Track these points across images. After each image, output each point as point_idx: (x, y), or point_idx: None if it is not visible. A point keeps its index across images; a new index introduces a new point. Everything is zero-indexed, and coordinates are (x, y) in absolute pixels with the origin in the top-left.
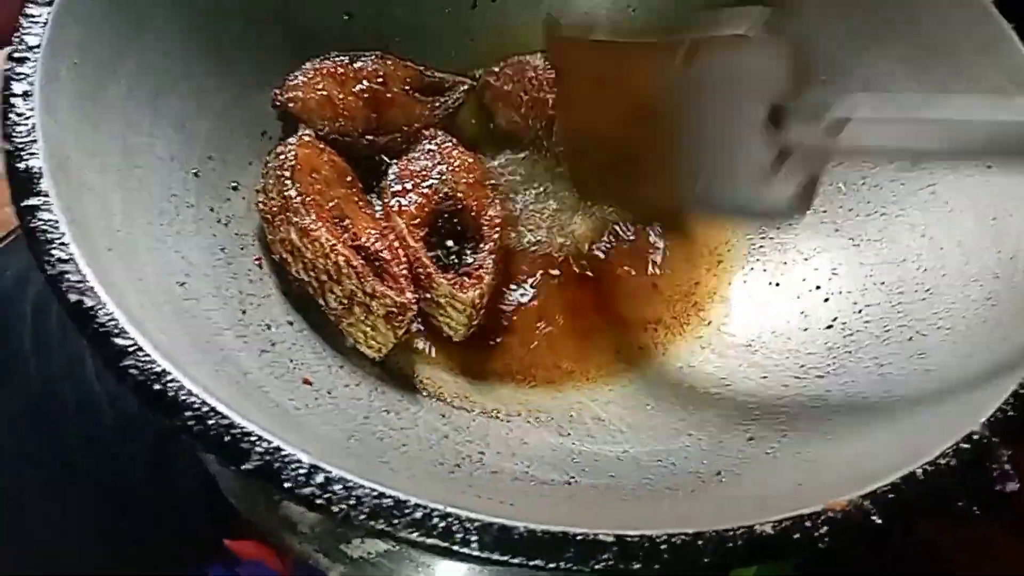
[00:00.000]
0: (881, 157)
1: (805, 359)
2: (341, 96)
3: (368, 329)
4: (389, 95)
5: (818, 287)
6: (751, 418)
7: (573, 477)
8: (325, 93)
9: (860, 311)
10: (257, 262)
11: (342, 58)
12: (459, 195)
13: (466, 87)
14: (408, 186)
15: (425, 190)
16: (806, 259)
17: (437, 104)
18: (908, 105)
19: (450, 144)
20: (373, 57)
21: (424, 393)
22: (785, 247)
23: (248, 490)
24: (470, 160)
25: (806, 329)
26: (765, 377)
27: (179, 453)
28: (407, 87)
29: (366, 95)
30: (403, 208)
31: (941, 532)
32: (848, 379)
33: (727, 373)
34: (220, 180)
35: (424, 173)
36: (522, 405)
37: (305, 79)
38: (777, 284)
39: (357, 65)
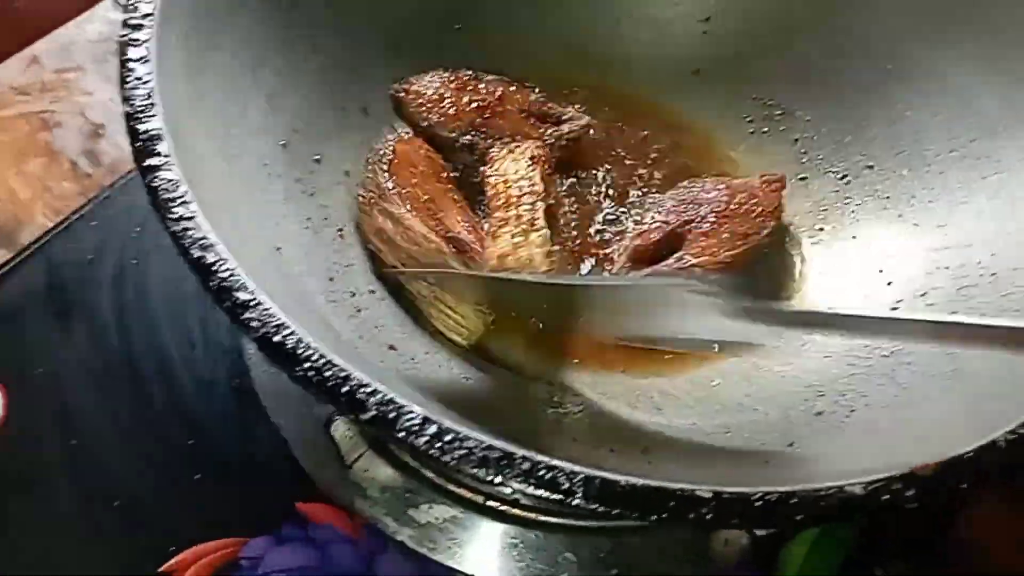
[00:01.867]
0: None
1: (869, 339)
2: (454, 99)
3: (459, 317)
4: (501, 109)
5: (880, 271)
6: (817, 394)
7: (648, 448)
8: (442, 92)
9: (924, 294)
10: (340, 232)
11: (467, 72)
12: None
13: (584, 123)
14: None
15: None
16: (868, 244)
17: (549, 133)
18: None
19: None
20: (496, 78)
21: (498, 364)
22: (847, 232)
23: (319, 455)
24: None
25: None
26: (828, 356)
27: (254, 418)
28: (523, 110)
29: (478, 103)
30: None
31: (980, 530)
32: (914, 358)
33: (789, 353)
34: (305, 153)
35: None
36: (592, 380)
37: (427, 80)
38: (839, 270)
39: (479, 81)
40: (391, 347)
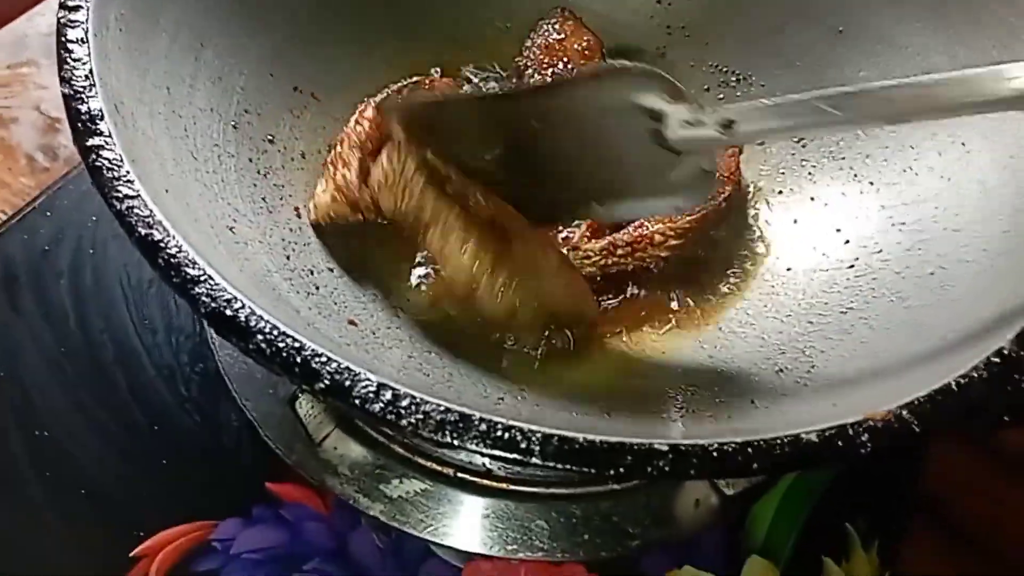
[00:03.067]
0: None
1: (828, 297)
2: None
3: None
4: None
5: (838, 230)
6: (778, 352)
7: (611, 410)
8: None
9: (881, 251)
10: (296, 212)
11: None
12: None
13: None
14: None
15: None
16: (825, 204)
17: None
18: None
19: None
20: None
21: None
22: (804, 192)
23: (288, 435)
24: None
25: (827, 271)
26: (789, 315)
27: (220, 400)
28: None
29: None
30: None
31: (944, 482)
32: (872, 313)
33: (751, 314)
34: (256, 133)
35: None
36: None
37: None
38: (797, 231)
39: None
40: (351, 322)
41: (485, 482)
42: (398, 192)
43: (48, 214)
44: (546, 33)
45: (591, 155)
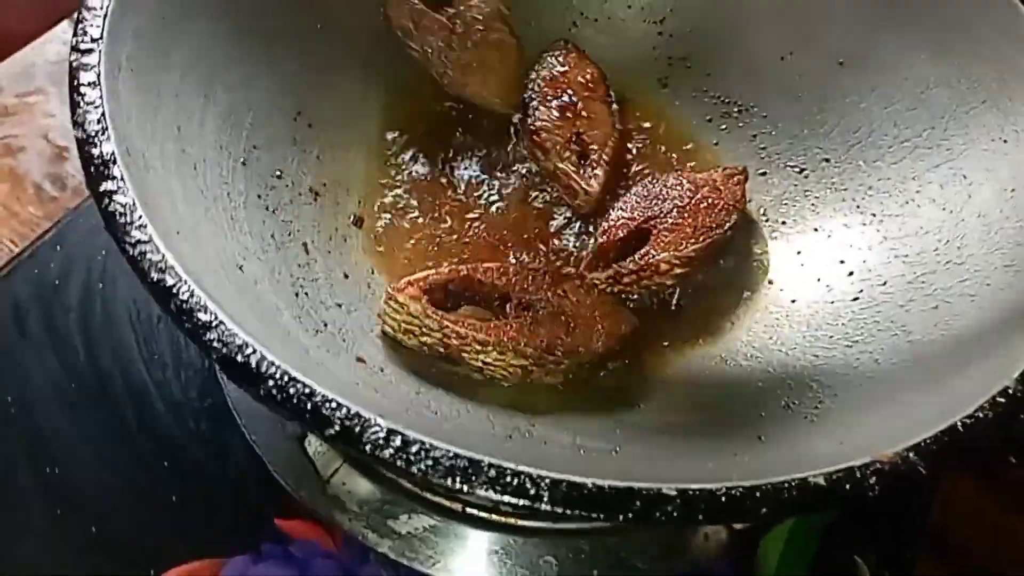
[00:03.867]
0: None
1: (832, 330)
2: None
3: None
4: None
5: (842, 262)
6: (785, 387)
7: (617, 447)
8: None
9: (884, 283)
10: (304, 248)
11: None
12: None
13: None
14: None
15: None
16: (829, 235)
17: None
18: None
19: None
20: None
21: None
22: (808, 224)
23: (296, 471)
24: None
25: (832, 303)
26: (794, 348)
27: (229, 436)
28: None
29: None
30: None
31: (952, 514)
32: (877, 347)
33: (757, 346)
34: (264, 169)
35: None
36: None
37: None
38: (801, 262)
39: None
40: (360, 359)
41: (493, 517)
42: (415, 332)
43: (58, 248)
44: (550, 66)
45: None
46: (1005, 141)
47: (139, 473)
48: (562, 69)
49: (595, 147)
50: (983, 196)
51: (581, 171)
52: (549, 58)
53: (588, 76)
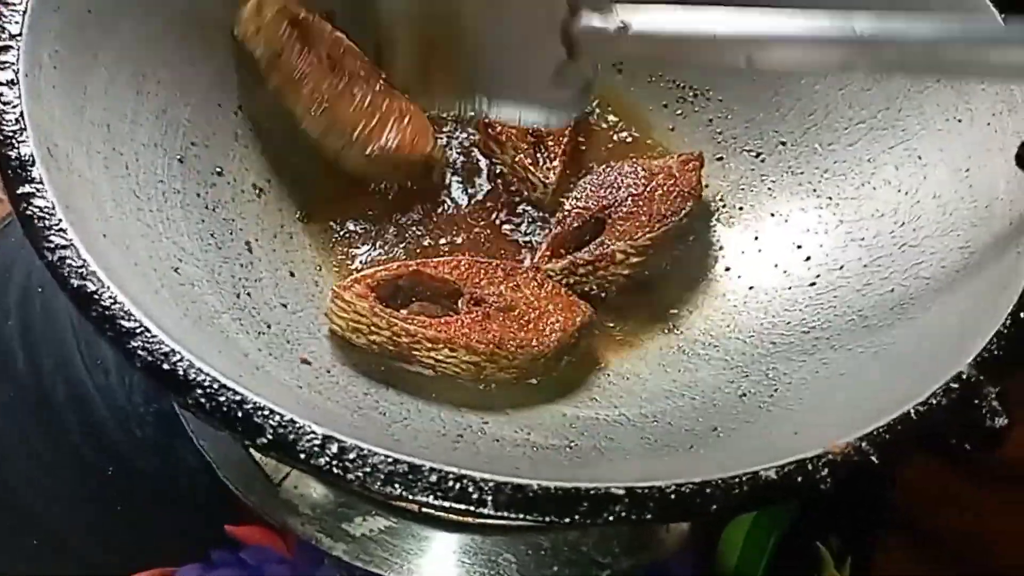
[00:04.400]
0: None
1: (790, 316)
2: None
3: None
4: None
5: (799, 247)
6: (742, 375)
7: (573, 441)
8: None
9: (841, 267)
10: (247, 246)
11: None
12: None
13: None
14: None
15: None
16: (786, 220)
17: None
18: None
19: None
20: None
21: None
22: (764, 209)
23: (246, 475)
24: None
25: (789, 288)
26: (752, 335)
27: (176, 441)
28: None
29: None
30: None
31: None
32: (833, 332)
33: (714, 335)
34: (204, 166)
35: None
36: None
37: None
38: (759, 248)
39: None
40: (304, 361)
41: (450, 517)
42: (363, 331)
43: None
44: None
45: (497, 33)
46: (959, 120)
47: (83, 481)
48: None
49: (551, 138)
50: (938, 177)
51: (538, 163)
52: None
53: None
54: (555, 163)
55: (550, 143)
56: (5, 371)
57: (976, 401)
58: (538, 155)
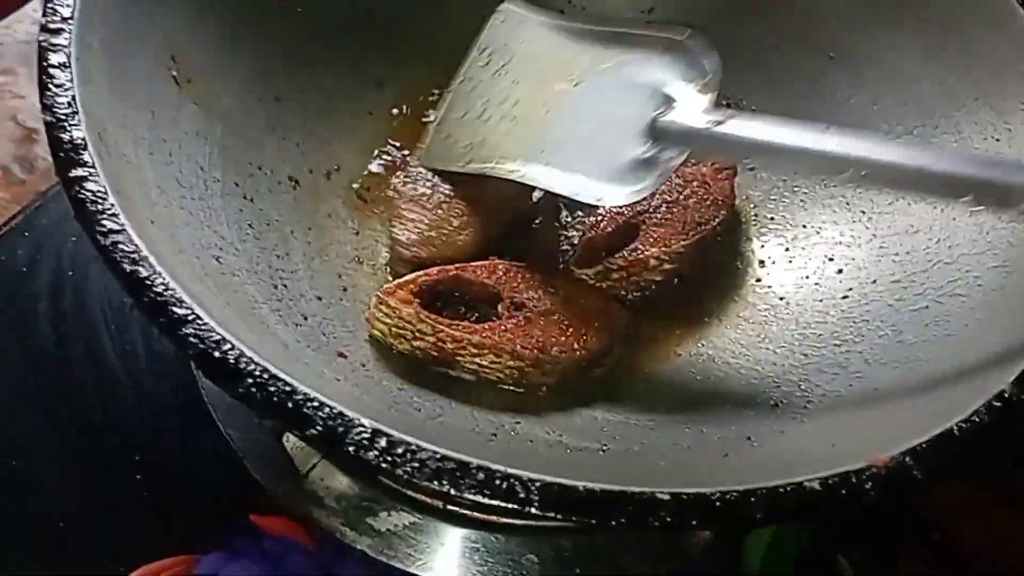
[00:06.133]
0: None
1: (822, 329)
2: None
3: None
4: None
5: (831, 259)
6: (773, 386)
7: (605, 445)
8: None
9: (874, 281)
10: (283, 237)
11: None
12: None
13: None
14: None
15: None
16: (818, 232)
17: None
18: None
19: None
20: None
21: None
22: (796, 220)
23: (273, 466)
24: None
25: (821, 300)
26: (783, 347)
27: (203, 430)
28: None
29: None
30: None
31: (936, 510)
32: (867, 347)
33: (745, 344)
34: (242, 156)
35: None
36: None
37: None
38: (790, 259)
39: None
40: (340, 355)
41: (475, 515)
42: (407, 336)
43: (26, 234)
44: None
45: (577, 110)
46: (997, 140)
47: (109, 467)
48: None
49: None
50: None
51: None
52: None
53: None
54: None
55: None
56: (34, 355)
57: (1019, 419)
58: None
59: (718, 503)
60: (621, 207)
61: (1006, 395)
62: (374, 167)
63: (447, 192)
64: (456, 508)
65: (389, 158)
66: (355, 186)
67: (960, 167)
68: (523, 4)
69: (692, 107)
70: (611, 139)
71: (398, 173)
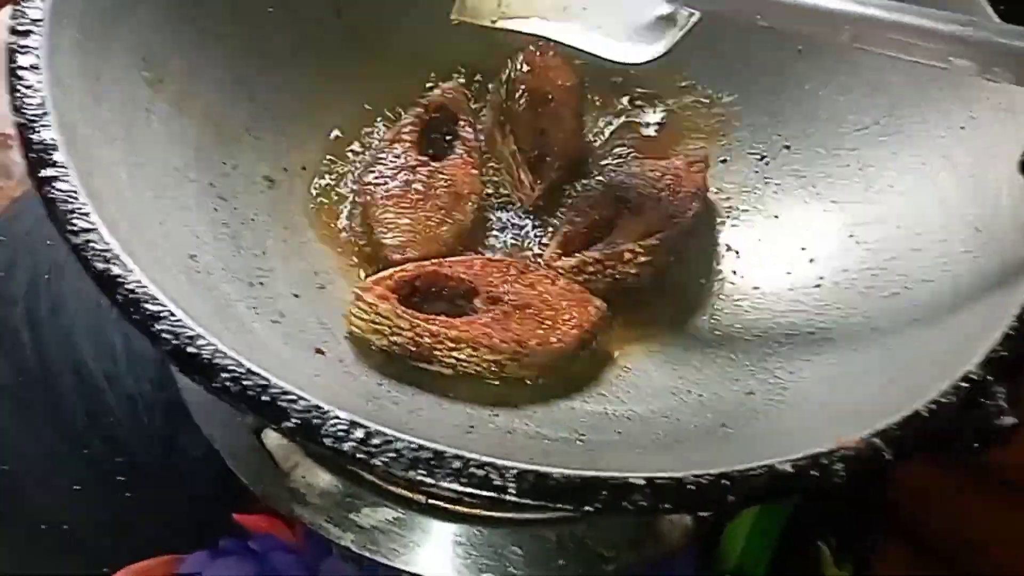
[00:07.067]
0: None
1: (795, 317)
2: None
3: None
4: None
5: (803, 248)
6: (748, 374)
7: (583, 435)
8: None
9: (845, 270)
10: (259, 237)
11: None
12: None
13: None
14: None
15: None
16: (790, 223)
17: None
18: None
19: None
20: None
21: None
22: (769, 211)
23: (254, 464)
24: None
25: (793, 289)
26: (758, 335)
27: (184, 430)
28: None
29: None
30: None
31: (911, 496)
32: (839, 334)
33: (720, 333)
34: (217, 155)
35: None
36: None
37: None
38: (763, 249)
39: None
40: (318, 351)
41: (458, 508)
42: (384, 332)
43: (2, 239)
44: (534, 58)
45: None
46: (963, 128)
47: (91, 468)
48: (545, 65)
49: (555, 149)
50: (942, 183)
51: (533, 164)
52: (533, 50)
53: (567, 82)
54: (550, 173)
55: (552, 152)
56: (11, 358)
57: (984, 400)
58: (536, 159)
59: (692, 487)
60: (595, 202)
61: (973, 376)
62: (347, 165)
63: (419, 188)
64: (439, 502)
65: (362, 156)
66: (330, 183)
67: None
68: None
69: None
70: None
71: (370, 170)
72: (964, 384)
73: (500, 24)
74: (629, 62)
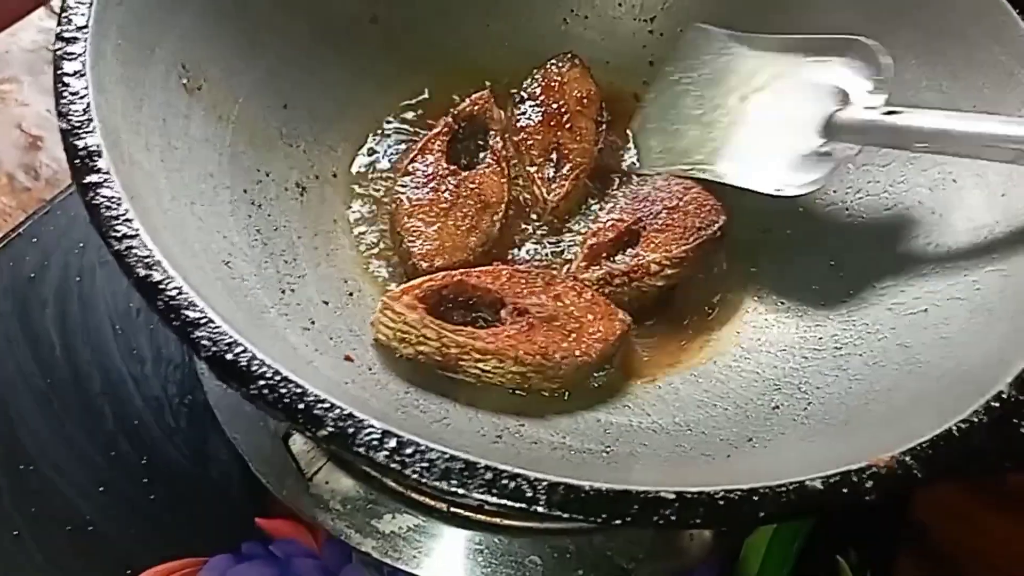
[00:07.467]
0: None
1: (821, 332)
2: None
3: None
4: None
5: (832, 263)
6: (773, 388)
7: (608, 447)
8: None
9: (873, 285)
10: (291, 243)
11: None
12: None
13: None
14: None
15: None
16: (819, 237)
17: None
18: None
19: None
20: None
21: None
22: (797, 227)
23: (278, 469)
24: None
25: (821, 303)
26: (783, 350)
27: (209, 434)
28: None
29: None
30: None
31: (930, 513)
32: (866, 349)
33: (745, 347)
34: (251, 163)
35: None
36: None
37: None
38: (791, 261)
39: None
40: (348, 358)
41: (478, 517)
42: (411, 341)
43: (34, 240)
44: (551, 73)
45: (760, 113)
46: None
47: (116, 470)
48: (561, 79)
49: (571, 161)
50: (972, 201)
51: (548, 180)
52: (552, 65)
53: (585, 93)
54: (565, 184)
55: (567, 165)
56: (41, 360)
57: (1016, 420)
58: (553, 173)
59: (722, 502)
60: (621, 214)
61: (1004, 395)
62: (378, 173)
63: (448, 197)
64: (460, 510)
65: (392, 164)
66: (360, 192)
67: None
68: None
69: (867, 103)
70: (790, 136)
71: (402, 180)
72: (996, 404)
73: (664, 170)
74: (788, 194)
